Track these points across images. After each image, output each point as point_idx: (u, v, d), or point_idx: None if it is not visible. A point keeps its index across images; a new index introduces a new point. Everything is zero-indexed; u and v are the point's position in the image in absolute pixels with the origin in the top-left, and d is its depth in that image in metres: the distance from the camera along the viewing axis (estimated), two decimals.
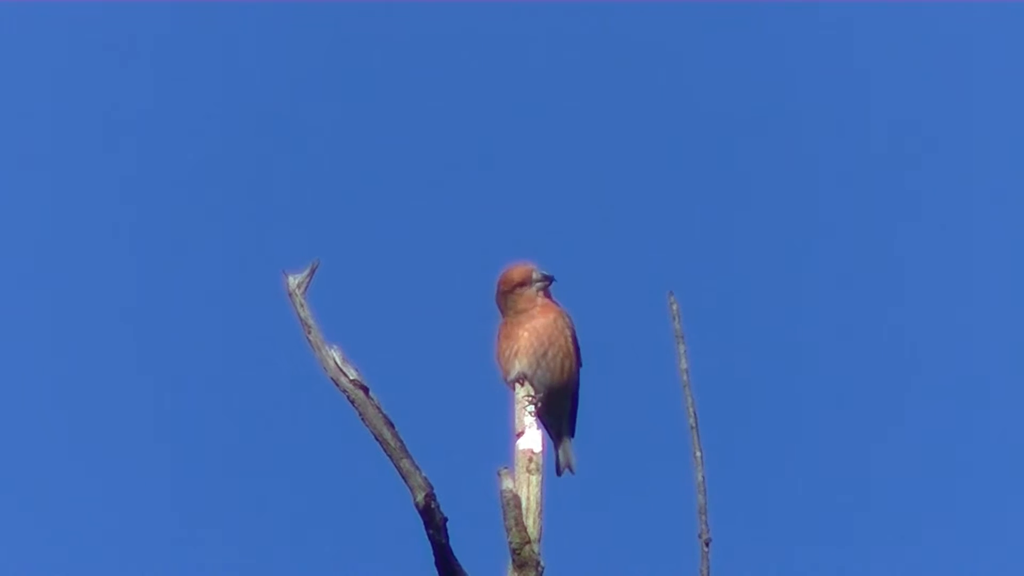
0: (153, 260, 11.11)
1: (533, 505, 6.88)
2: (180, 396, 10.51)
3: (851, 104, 11.75)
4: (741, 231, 11.28)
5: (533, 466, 6.98)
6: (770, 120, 11.82)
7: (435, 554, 6.55)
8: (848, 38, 11.83)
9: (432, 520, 6.52)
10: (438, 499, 6.54)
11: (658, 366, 6.93)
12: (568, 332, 7.34)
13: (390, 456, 6.61)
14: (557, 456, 7.44)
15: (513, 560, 6.72)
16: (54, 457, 10.41)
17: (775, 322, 10.76)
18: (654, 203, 11.26)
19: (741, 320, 10.58)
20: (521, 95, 11.80)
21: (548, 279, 7.35)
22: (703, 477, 6.59)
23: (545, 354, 7.28)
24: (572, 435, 7.46)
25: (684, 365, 6.72)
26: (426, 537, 6.55)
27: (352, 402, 6.68)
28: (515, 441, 7.10)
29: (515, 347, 7.27)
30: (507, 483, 6.81)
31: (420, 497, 6.51)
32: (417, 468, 6.57)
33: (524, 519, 6.79)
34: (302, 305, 6.84)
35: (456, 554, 6.56)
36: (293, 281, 6.88)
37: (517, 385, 7.26)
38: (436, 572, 6.56)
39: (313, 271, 6.89)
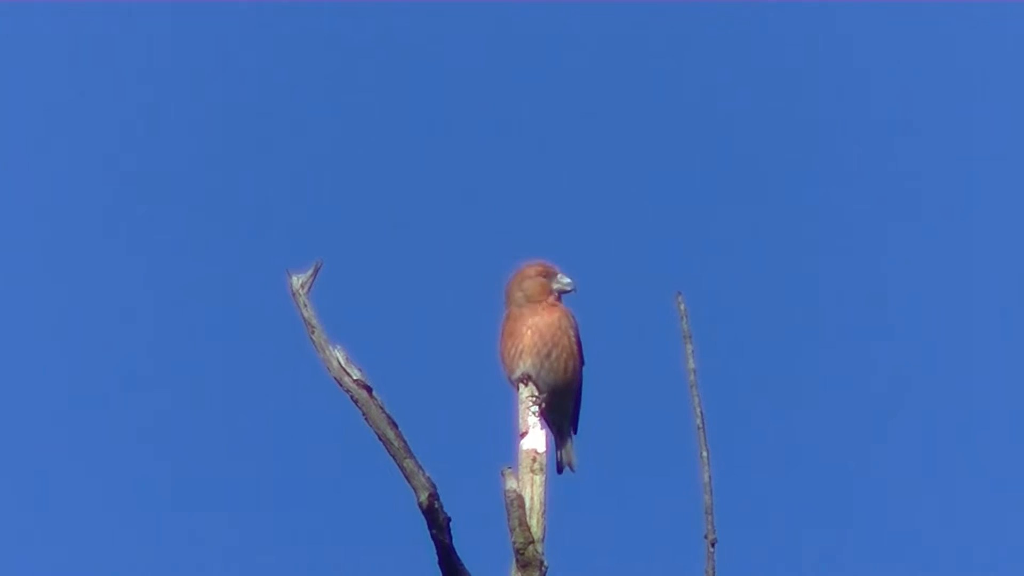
0: (157, 260, 11.11)
1: (537, 505, 6.87)
2: (184, 396, 10.50)
3: (854, 105, 11.75)
4: (748, 231, 11.27)
5: (537, 466, 6.97)
6: (777, 121, 11.81)
7: (438, 554, 6.54)
8: (853, 38, 11.83)
9: (435, 520, 6.51)
10: (441, 499, 6.53)
11: (665, 366, 6.92)
12: (572, 332, 7.34)
13: (393, 456, 6.60)
14: (559, 454, 7.43)
15: (516, 560, 6.71)
16: (55, 457, 10.41)
17: (782, 322, 10.75)
18: (662, 203, 11.25)
19: (748, 320, 10.57)
20: (527, 95, 11.80)
21: (571, 289, 7.37)
22: (709, 477, 6.58)
23: (549, 354, 7.27)
24: (574, 434, 7.45)
25: (691, 365, 6.71)
26: (429, 537, 6.54)
27: (355, 402, 6.67)
28: (519, 441, 7.09)
29: (519, 346, 7.27)
30: (511, 483, 6.80)
31: (423, 497, 6.50)
32: (420, 468, 6.56)
33: (528, 519, 6.78)
34: (306, 305, 6.83)
35: (459, 554, 6.55)
36: (297, 281, 6.87)
37: (521, 385, 7.25)
38: (439, 572, 6.55)
39: (317, 271, 6.88)
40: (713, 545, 6.54)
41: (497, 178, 11.38)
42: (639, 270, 10.03)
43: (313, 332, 6.79)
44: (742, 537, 6.89)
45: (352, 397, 6.67)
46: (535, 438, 7.08)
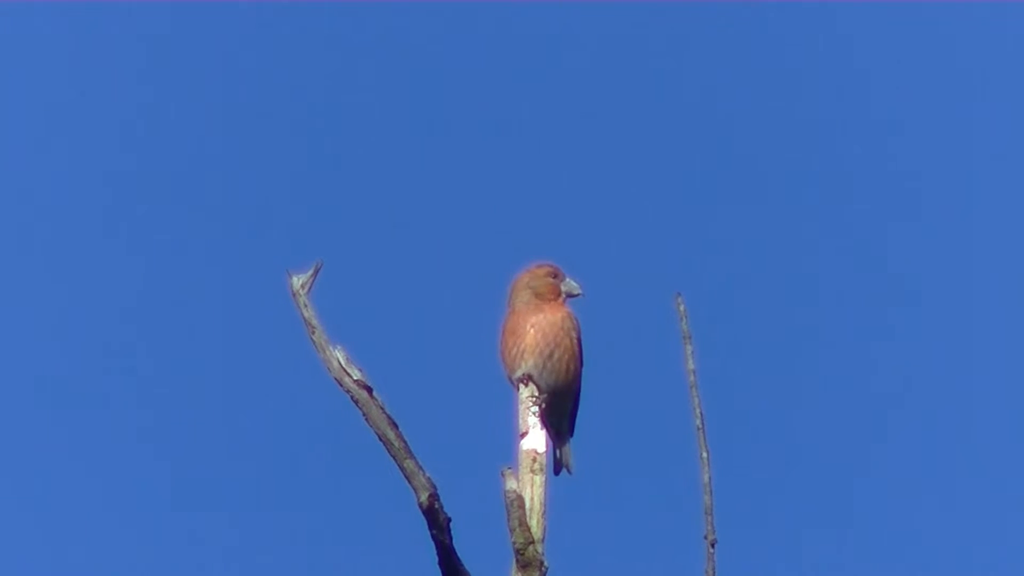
0: (157, 260, 11.11)
1: (537, 505, 6.88)
2: (184, 396, 10.50)
3: (854, 105, 11.75)
4: (748, 232, 11.27)
5: (537, 466, 6.98)
6: (777, 121, 11.81)
7: (439, 554, 6.54)
8: (853, 38, 11.83)
9: (436, 520, 6.51)
10: (442, 499, 6.53)
11: (665, 366, 6.93)
12: (574, 333, 7.34)
13: (394, 456, 6.60)
14: (557, 456, 7.43)
15: (517, 560, 6.71)
16: (56, 456, 10.41)
17: (782, 323, 10.75)
18: (662, 204, 11.25)
19: (748, 321, 10.57)
20: (527, 95, 11.81)
21: (578, 293, 7.39)
22: (709, 478, 6.58)
23: (551, 355, 7.27)
24: (571, 435, 7.46)
25: (691, 366, 6.71)
26: (430, 537, 6.54)
27: (356, 402, 6.67)
28: (519, 441, 7.09)
29: (521, 345, 7.27)
30: (511, 483, 6.80)
31: (424, 497, 6.50)
32: (421, 468, 6.56)
33: (528, 519, 6.78)
34: (306, 305, 6.83)
35: (460, 554, 6.55)
36: (297, 281, 6.87)
37: (521, 385, 7.25)
38: (440, 572, 6.55)
39: (317, 271, 6.88)
40: (713, 546, 6.54)
41: (497, 179, 11.39)
42: (639, 271, 10.03)
43: (313, 332, 6.79)
44: (742, 538, 6.90)
45: (352, 397, 6.67)
46: (535, 438, 7.08)
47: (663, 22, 11.93)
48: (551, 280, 7.41)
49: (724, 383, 7.74)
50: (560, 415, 7.38)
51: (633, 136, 11.62)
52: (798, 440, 10.12)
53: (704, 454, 6.62)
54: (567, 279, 7.43)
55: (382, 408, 6.66)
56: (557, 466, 7.43)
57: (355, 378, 6.68)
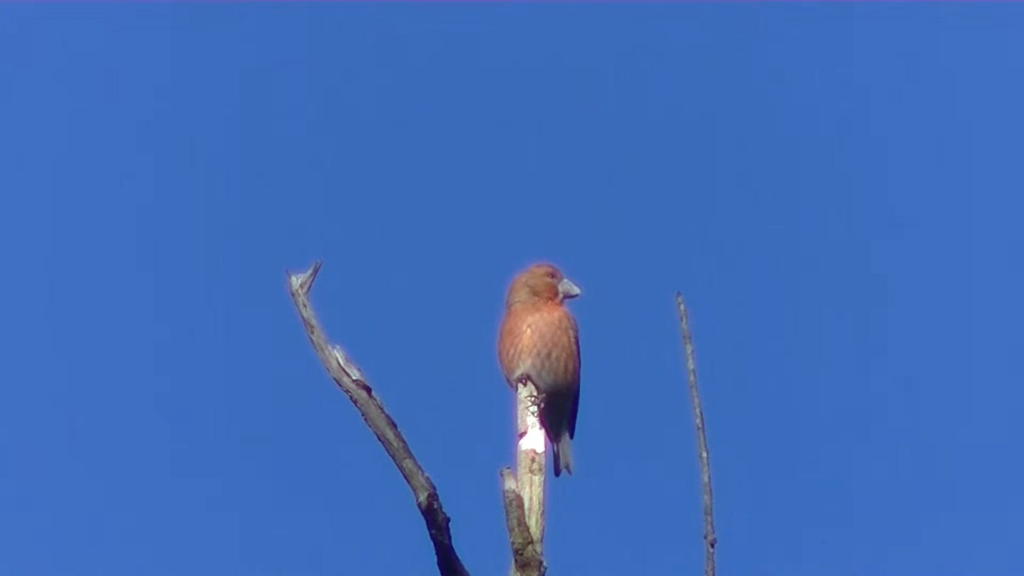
0: (156, 259, 11.11)
1: (535, 505, 6.87)
2: (183, 396, 10.50)
3: (854, 106, 11.75)
4: (748, 232, 11.27)
5: (535, 466, 6.97)
6: (776, 123, 11.81)
7: (437, 554, 6.54)
8: (853, 38, 11.83)
9: (434, 520, 6.51)
10: (440, 499, 6.52)
11: (665, 366, 6.92)
12: (572, 333, 7.34)
13: (393, 456, 6.59)
14: (556, 456, 7.42)
15: (515, 560, 6.71)
16: (56, 456, 10.41)
17: (782, 323, 10.75)
18: (662, 204, 11.25)
19: (748, 321, 10.57)
20: (527, 95, 11.80)
21: (576, 293, 7.38)
22: (709, 478, 6.57)
23: (549, 355, 7.26)
24: (571, 436, 7.45)
25: (691, 366, 6.70)
26: (428, 537, 6.54)
27: (355, 402, 6.67)
28: (517, 441, 7.09)
29: (519, 345, 7.26)
30: (509, 483, 6.80)
31: (423, 497, 6.50)
32: (420, 468, 6.56)
33: (526, 519, 6.77)
34: (305, 305, 6.83)
35: (458, 554, 6.55)
36: (296, 281, 6.86)
37: (520, 385, 7.25)
38: (439, 572, 6.54)
39: (316, 271, 6.88)
40: (713, 546, 6.53)
41: (497, 179, 11.38)
42: (639, 271, 10.03)
43: (312, 332, 6.79)
44: (741, 538, 6.90)
45: (351, 397, 6.67)
46: (534, 438, 7.08)
47: (662, 22, 11.93)
48: (549, 280, 7.40)
49: (724, 383, 7.74)
50: (559, 415, 7.37)
51: (633, 136, 11.62)
52: (798, 440, 10.12)
53: (704, 454, 6.61)
54: (565, 279, 7.42)
55: (381, 408, 6.65)
56: (556, 466, 7.42)
57: (354, 378, 6.67)
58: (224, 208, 11.30)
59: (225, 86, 11.74)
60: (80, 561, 10.01)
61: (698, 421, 6.66)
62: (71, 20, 11.62)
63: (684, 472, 6.68)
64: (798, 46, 11.96)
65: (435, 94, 11.82)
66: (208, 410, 10.37)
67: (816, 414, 10.36)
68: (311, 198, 11.29)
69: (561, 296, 7.40)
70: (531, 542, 6.73)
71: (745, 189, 11.57)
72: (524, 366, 7.26)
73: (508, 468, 6.87)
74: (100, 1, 11.60)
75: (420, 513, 6.52)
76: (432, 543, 6.53)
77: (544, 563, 6.74)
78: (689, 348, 6.74)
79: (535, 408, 7.18)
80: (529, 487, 6.91)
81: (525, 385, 7.24)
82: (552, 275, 7.41)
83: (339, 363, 6.70)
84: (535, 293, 7.38)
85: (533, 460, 6.99)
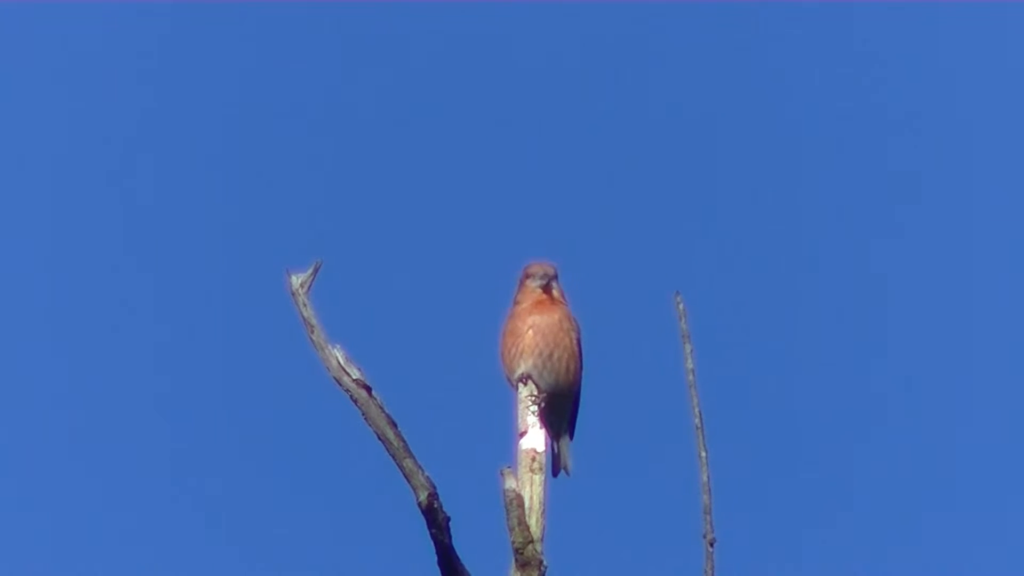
0: (156, 259, 11.11)
1: (536, 505, 6.87)
2: (183, 395, 10.50)
3: (853, 105, 11.75)
4: (747, 231, 11.27)
5: (536, 466, 6.98)
6: (775, 121, 11.81)
7: (438, 554, 6.54)
8: (854, 38, 11.83)
9: (435, 520, 6.51)
10: (441, 499, 6.53)
11: (664, 366, 6.93)
12: (573, 334, 7.34)
13: (393, 456, 6.60)
14: (556, 456, 7.42)
15: (516, 560, 6.71)
16: (57, 456, 10.41)
17: (781, 322, 10.75)
18: (660, 203, 11.25)
19: (747, 320, 10.57)
20: (526, 94, 11.81)
21: (546, 277, 7.34)
22: (708, 477, 6.58)
23: (551, 356, 7.27)
24: (571, 437, 7.45)
25: (690, 365, 6.71)
26: (429, 537, 6.54)
27: (355, 402, 6.67)
28: (518, 441, 7.09)
29: (520, 345, 7.27)
30: (510, 483, 6.80)
31: (423, 497, 6.50)
32: (420, 468, 6.56)
33: (527, 518, 6.78)
34: (305, 304, 6.83)
35: (459, 553, 6.55)
36: (296, 280, 6.87)
37: (520, 385, 7.25)
38: (439, 571, 6.55)
39: (316, 270, 6.88)
40: (712, 545, 6.54)
41: (497, 178, 11.39)
42: (638, 271, 10.03)
43: (312, 332, 6.79)
44: (741, 537, 6.90)
45: (351, 397, 6.67)
46: (534, 438, 7.08)
47: (663, 22, 11.93)
48: (528, 282, 7.38)
49: (723, 383, 7.75)
50: (559, 416, 7.38)
51: (633, 136, 11.63)
52: (797, 439, 10.13)
53: (703, 454, 6.62)
54: (539, 272, 7.37)
55: (381, 407, 6.65)
56: (556, 467, 7.42)
57: (354, 377, 6.68)
58: (224, 208, 11.32)
59: (226, 85, 11.75)
60: (82, 561, 10.02)
61: (697, 421, 6.67)
62: (71, 20, 11.63)
63: (683, 472, 6.69)
64: (798, 45, 11.96)
65: (435, 93, 11.83)
66: (208, 409, 10.38)
67: (815, 413, 10.36)
68: (311, 198, 11.30)
69: (538, 289, 7.35)
70: (531, 541, 6.73)
71: (744, 188, 11.58)
72: (525, 366, 7.26)
73: (508, 467, 6.87)
74: (100, 1, 11.61)
75: (420, 512, 6.52)
76: (432, 542, 6.54)
77: (544, 562, 6.74)
78: (688, 348, 6.75)
79: (536, 408, 7.19)
80: (529, 486, 6.91)
81: (526, 385, 7.25)
82: (528, 276, 7.39)
83: (339, 362, 6.71)
84: (523, 299, 7.37)
85: (533, 459, 6.99)
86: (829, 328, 10.86)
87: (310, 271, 6.89)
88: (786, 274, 11.09)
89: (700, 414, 6.66)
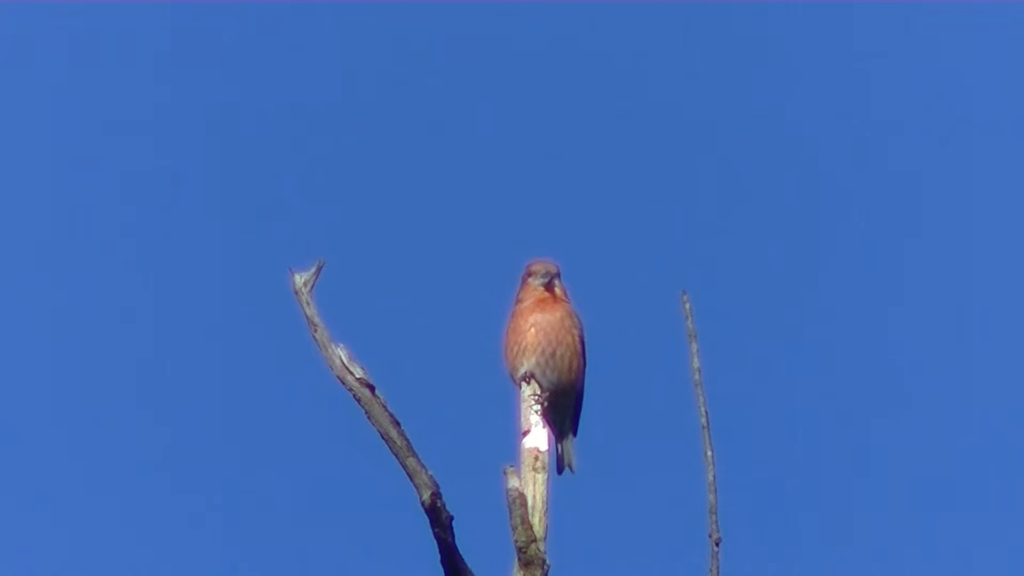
0: (160, 258, 11.12)
1: (539, 503, 6.86)
2: (186, 394, 10.50)
3: (861, 105, 11.75)
4: (754, 230, 11.27)
5: (539, 464, 6.97)
6: (782, 120, 11.81)
7: (441, 552, 6.53)
8: (855, 38, 11.83)
9: (438, 518, 6.50)
10: (444, 497, 6.51)
11: (670, 365, 6.92)
12: (576, 332, 7.33)
13: (396, 455, 6.59)
14: (559, 455, 7.42)
15: (519, 558, 6.70)
16: (58, 455, 10.41)
17: (787, 321, 10.74)
18: (667, 201, 11.25)
19: (753, 319, 10.57)
20: (530, 93, 11.81)
21: (548, 276, 7.33)
22: (714, 476, 6.57)
23: (554, 354, 7.26)
24: (575, 435, 7.44)
25: (696, 364, 6.70)
26: (432, 535, 6.53)
27: (358, 400, 6.66)
28: (521, 439, 7.08)
29: (522, 343, 7.26)
30: (513, 481, 6.79)
31: (426, 496, 6.49)
32: (423, 466, 6.55)
33: (530, 517, 6.77)
34: (308, 303, 6.82)
35: (462, 552, 6.54)
36: (300, 279, 6.86)
37: (523, 383, 7.25)
38: (442, 570, 6.54)
39: (319, 269, 6.88)
40: (717, 544, 6.53)
41: (502, 177, 11.38)
42: (644, 269, 10.02)
43: (316, 331, 6.78)
44: (746, 536, 6.89)
45: (354, 396, 6.66)
46: (537, 436, 7.07)
47: (668, 20, 11.93)
48: (531, 280, 7.38)
49: (729, 381, 7.73)
50: (563, 414, 7.37)
51: (640, 134, 11.62)
52: (803, 439, 10.12)
53: (709, 453, 6.60)
54: (541, 270, 7.37)
55: (384, 406, 6.64)
56: (560, 465, 7.41)
57: (357, 376, 6.67)
58: (228, 207, 11.31)
59: (230, 84, 11.76)
60: (85, 561, 10.02)
61: (703, 420, 6.66)
62: (71, 20, 11.63)
63: (688, 471, 6.68)
64: (800, 45, 11.96)
65: (438, 93, 11.83)
66: (211, 408, 10.38)
67: (821, 413, 10.36)
68: (314, 197, 11.29)
69: (540, 288, 7.35)
70: (534, 540, 6.72)
71: (750, 187, 11.57)
72: (528, 364, 7.25)
73: (511, 466, 6.86)
74: (101, 1, 11.61)
75: (423, 511, 6.51)
76: (435, 541, 6.53)
77: (547, 561, 6.73)
78: (694, 346, 6.74)
79: (539, 407, 7.18)
80: (532, 485, 6.90)
81: (529, 383, 7.24)
82: (530, 275, 7.40)
83: (342, 361, 6.70)
84: (525, 298, 7.38)
85: (536, 458, 6.98)
86: (835, 327, 10.85)
87: (313, 270, 6.88)
88: (793, 273, 11.09)
89: (706, 413, 6.65)
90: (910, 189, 11.52)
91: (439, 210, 11.16)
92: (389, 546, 8.60)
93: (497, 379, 7.35)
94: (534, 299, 7.35)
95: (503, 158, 11.49)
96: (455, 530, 6.53)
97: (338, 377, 6.70)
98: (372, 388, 6.66)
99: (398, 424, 6.62)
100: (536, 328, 7.28)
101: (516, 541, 6.72)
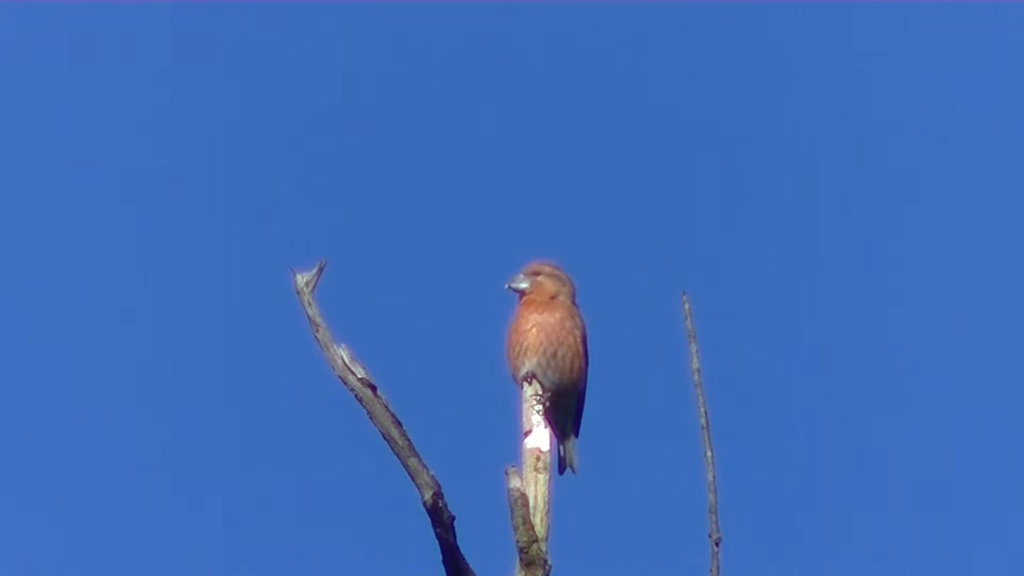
0: (162, 258, 11.12)
1: (540, 504, 6.87)
2: (188, 394, 10.51)
3: (859, 105, 11.75)
4: (753, 231, 11.27)
5: (540, 465, 6.97)
6: (782, 121, 11.81)
7: (442, 552, 6.54)
8: (856, 38, 11.83)
9: (439, 519, 6.51)
10: (445, 498, 6.52)
11: (670, 365, 6.93)
12: (577, 332, 7.34)
13: (397, 455, 6.59)
14: (561, 455, 7.42)
15: (520, 559, 6.71)
16: (59, 455, 10.42)
17: (787, 321, 10.75)
18: (667, 202, 11.25)
19: (753, 319, 10.57)
20: (531, 94, 11.81)
21: (515, 287, 7.39)
22: (714, 476, 6.57)
23: (555, 354, 7.27)
24: (576, 435, 7.45)
25: (696, 364, 6.70)
26: (433, 536, 6.54)
27: (360, 401, 6.67)
28: (522, 440, 7.09)
29: (524, 344, 7.27)
30: (514, 482, 6.80)
31: (428, 496, 6.50)
32: (424, 467, 6.56)
33: (531, 518, 6.77)
34: (310, 303, 6.83)
35: (463, 552, 6.55)
36: (301, 279, 6.87)
37: (525, 384, 7.25)
38: (444, 570, 6.54)
39: (321, 270, 6.88)
40: (717, 544, 6.54)
41: (503, 177, 11.38)
42: (644, 269, 10.03)
43: (317, 331, 6.79)
44: (746, 536, 6.90)
45: (356, 396, 6.67)
46: (539, 437, 7.08)
47: (668, 20, 11.93)
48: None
49: (729, 382, 7.75)
50: (564, 414, 7.38)
51: (640, 134, 11.62)
52: (802, 439, 10.12)
53: (709, 453, 6.61)
54: (519, 275, 7.41)
55: (386, 406, 6.65)
56: (561, 465, 7.42)
57: (359, 376, 6.67)
58: (229, 207, 11.32)
59: (232, 84, 11.76)
60: (85, 561, 10.03)
61: (703, 420, 6.66)
62: (71, 20, 11.63)
63: (689, 471, 6.69)
64: (801, 44, 11.96)
65: (439, 93, 11.83)
66: (212, 409, 10.39)
67: (821, 412, 10.36)
68: (316, 197, 11.30)
69: (560, 294, 7.38)
70: (536, 540, 6.73)
71: (750, 187, 11.57)
72: (530, 364, 7.26)
73: (513, 466, 6.87)
74: (101, 1, 11.62)
75: (425, 511, 6.52)
76: (437, 541, 6.53)
77: (549, 561, 6.74)
78: (694, 347, 6.74)
79: (540, 407, 7.18)
80: (534, 485, 6.91)
81: (530, 383, 7.25)
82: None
83: (344, 361, 6.70)
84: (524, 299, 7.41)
85: (538, 459, 6.99)
86: (835, 327, 10.86)
87: (315, 270, 6.89)
88: (792, 273, 11.10)
89: (706, 413, 6.66)
90: (910, 189, 11.52)
91: (440, 210, 11.17)
92: (391, 546, 8.61)
93: (499, 379, 7.37)
94: (536, 300, 7.37)
95: (504, 158, 11.50)
96: (457, 530, 6.54)
97: (340, 377, 6.71)
98: (374, 388, 6.67)
99: (400, 424, 6.63)
100: (538, 328, 7.30)
101: (518, 541, 6.72)
